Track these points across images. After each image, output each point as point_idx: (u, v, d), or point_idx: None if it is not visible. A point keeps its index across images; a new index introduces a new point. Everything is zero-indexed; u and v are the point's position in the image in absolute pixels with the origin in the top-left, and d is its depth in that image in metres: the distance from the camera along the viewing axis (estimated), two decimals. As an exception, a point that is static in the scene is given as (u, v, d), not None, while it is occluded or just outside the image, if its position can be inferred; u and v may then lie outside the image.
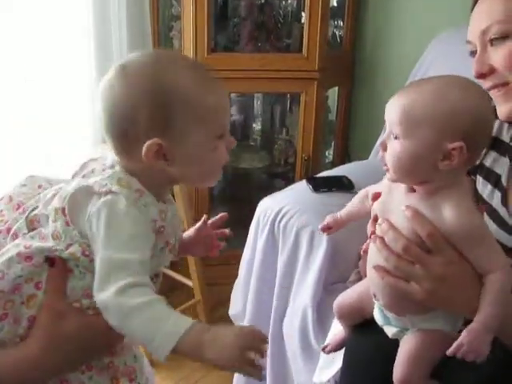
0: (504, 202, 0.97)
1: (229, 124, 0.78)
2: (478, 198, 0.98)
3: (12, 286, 0.71)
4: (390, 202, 0.81)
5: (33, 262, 0.72)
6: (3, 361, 0.71)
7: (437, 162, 0.74)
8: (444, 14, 1.93)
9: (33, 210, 0.78)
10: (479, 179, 1.02)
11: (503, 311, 0.74)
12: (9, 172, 1.71)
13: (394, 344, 0.86)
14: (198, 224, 0.92)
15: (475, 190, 0.99)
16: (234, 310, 1.67)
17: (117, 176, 0.73)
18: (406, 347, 0.83)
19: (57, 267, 0.73)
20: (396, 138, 0.75)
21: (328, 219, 0.94)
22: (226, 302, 1.73)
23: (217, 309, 2.05)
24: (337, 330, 1.07)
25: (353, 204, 0.93)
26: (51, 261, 0.73)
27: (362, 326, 0.96)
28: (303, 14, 2.04)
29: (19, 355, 0.72)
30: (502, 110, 0.92)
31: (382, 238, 0.79)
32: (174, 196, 1.69)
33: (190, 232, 0.92)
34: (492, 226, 0.98)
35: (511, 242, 0.93)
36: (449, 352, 0.74)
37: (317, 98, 2.04)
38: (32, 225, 0.76)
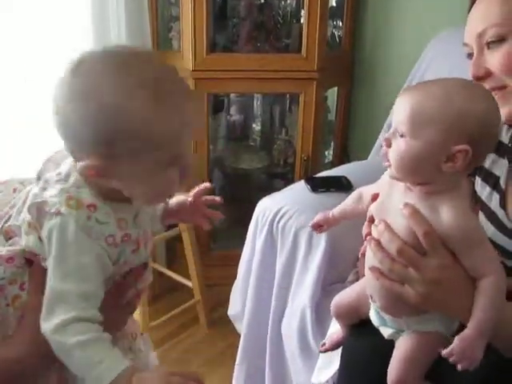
0: (502, 204, 0.96)
1: (187, 147, 0.72)
2: (476, 200, 0.98)
3: None
4: (388, 203, 0.81)
5: (15, 263, 0.72)
6: None
7: (440, 163, 0.74)
8: (443, 14, 1.93)
9: (7, 221, 0.77)
10: (478, 180, 1.02)
11: (496, 316, 0.74)
12: (8, 172, 1.71)
13: (391, 345, 0.86)
14: (181, 200, 0.89)
15: (474, 192, 1.00)
16: (233, 310, 1.67)
17: (66, 193, 0.69)
18: (401, 349, 0.83)
19: (36, 266, 0.72)
20: (402, 136, 0.75)
21: (319, 217, 0.93)
22: (225, 302, 1.73)
23: (216, 309, 2.06)
24: (335, 329, 1.07)
25: (346, 203, 0.92)
26: (29, 261, 0.72)
27: (358, 327, 0.96)
28: (302, 14, 2.04)
29: (6, 352, 0.72)
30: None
31: (377, 241, 0.79)
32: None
33: (173, 205, 0.89)
34: (490, 229, 0.98)
35: (509, 245, 0.93)
36: (443, 353, 0.74)
37: (316, 98, 2.04)
38: (8, 235, 0.75)
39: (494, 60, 0.90)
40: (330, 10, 2.08)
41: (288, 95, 2.36)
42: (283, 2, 2.17)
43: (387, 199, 0.81)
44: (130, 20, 1.96)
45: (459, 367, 0.73)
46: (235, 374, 1.60)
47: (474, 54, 0.93)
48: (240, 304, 1.60)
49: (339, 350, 1.04)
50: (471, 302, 0.75)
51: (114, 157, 0.67)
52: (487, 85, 0.90)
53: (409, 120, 0.74)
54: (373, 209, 0.83)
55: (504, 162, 0.97)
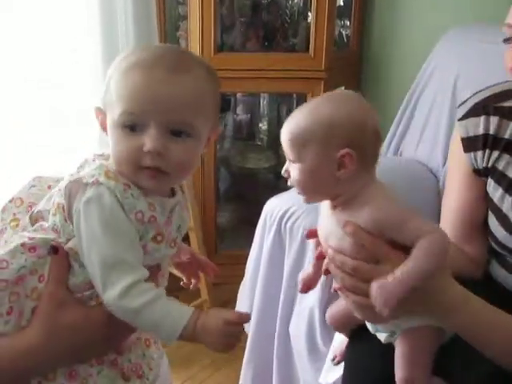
0: None
1: (148, 113, 0.69)
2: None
3: (16, 277, 0.71)
4: (328, 225, 0.81)
5: (37, 252, 0.72)
6: (2, 350, 0.70)
7: (334, 173, 0.75)
8: (451, 13, 1.93)
9: (35, 209, 0.78)
10: (490, 182, 1.01)
11: (428, 267, 0.72)
12: (10, 172, 1.71)
13: (390, 346, 0.86)
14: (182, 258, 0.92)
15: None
16: (240, 309, 1.67)
17: (105, 168, 0.72)
18: (400, 350, 0.84)
19: (60, 255, 0.73)
20: (293, 162, 0.78)
21: (302, 278, 0.89)
22: (232, 301, 1.73)
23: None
24: (340, 338, 1.07)
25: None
26: (55, 249, 0.72)
27: (359, 330, 0.95)
28: (310, 13, 2.03)
29: (17, 343, 0.71)
30: None
31: (332, 262, 0.80)
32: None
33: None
34: (501, 232, 0.98)
35: None
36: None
37: (323, 98, 2.04)
38: (36, 222, 0.76)
39: None
40: (337, 10, 2.07)
41: (295, 94, 2.36)
42: (291, 2, 2.17)
43: (326, 222, 0.82)
44: (137, 18, 1.96)
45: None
46: (242, 374, 1.60)
47: None
48: (247, 304, 1.60)
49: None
50: (444, 296, 0.76)
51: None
52: None
53: (289, 146, 0.78)
54: (319, 234, 0.83)
55: None
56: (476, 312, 0.78)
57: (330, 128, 0.75)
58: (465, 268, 1.04)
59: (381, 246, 0.75)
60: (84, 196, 0.70)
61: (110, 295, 0.68)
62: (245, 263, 1.63)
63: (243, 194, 2.45)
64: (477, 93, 1.09)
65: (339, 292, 0.83)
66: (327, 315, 0.98)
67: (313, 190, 0.80)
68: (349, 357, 1.02)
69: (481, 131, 1.02)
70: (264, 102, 2.48)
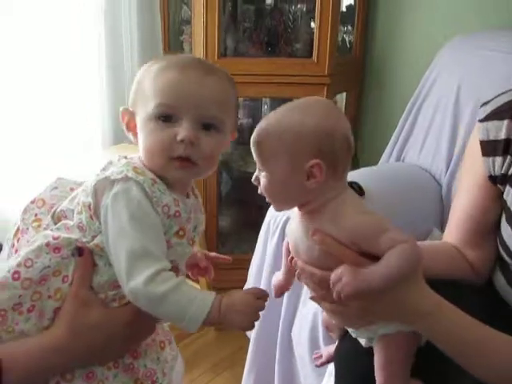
0: None
1: (184, 108, 0.75)
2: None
3: (39, 276, 0.73)
4: (296, 233, 0.80)
5: (61, 253, 0.74)
6: (28, 348, 0.72)
7: (303, 182, 0.74)
8: (455, 20, 1.93)
9: (58, 208, 0.80)
10: (509, 191, 0.96)
11: (397, 271, 0.72)
12: (16, 175, 1.72)
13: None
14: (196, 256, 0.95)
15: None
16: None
17: (132, 164, 0.76)
18: (377, 355, 0.84)
19: (85, 256, 0.75)
20: (262, 171, 0.77)
21: (274, 284, 0.91)
22: (234, 306, 1.73)
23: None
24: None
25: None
26: (80, 250, 0.74)
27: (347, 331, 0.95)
28: (313, 19, 2.04)
29: (43, 341, 0.73)
30: None
31: (302, 274, 0.80)
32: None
33: None
34: None
35: None
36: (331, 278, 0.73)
37: (326, 104, 2.04)
38: (59, 220, 0.78)
39: None
40: (340, 15, 2.08)
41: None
42: (294, 7, 2.17)
43: (296, 229, 0.81)
44: (141, 22, 1.97)
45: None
46: (244, 379, 1.60)
47: None
48: (249, 308, 1.60)
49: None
50: (416, 304, 0.75)
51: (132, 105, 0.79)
52: None
53: (257, 153, 0.77)
54: (289, 241, 0.83)
55: None
56: (448, 321, 0.76)
57: (298, 136, 0.74)
58: (464, 274, 1.02)
59: (350, 254, 0.74)
60: (112, 191, 0.73)
61: (136, 282, 0.70)
62: (246, 267, 1.63)
63: (245, 198, 2.45)
64: (502, 93, 1.01)
65: (312, 300, 0.83)
66: (323, 319, 0.98)
67: (280, 199, 0.79)
68: (338, 354, 1.01)
69: (502, 136, 0.96)
70: (266, 106, 2.48)
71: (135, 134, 0.80)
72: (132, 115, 0.79)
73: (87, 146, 1.92)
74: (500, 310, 0.99)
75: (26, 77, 1.68)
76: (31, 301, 0.73)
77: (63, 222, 0.77)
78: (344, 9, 2.21)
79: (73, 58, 1.82)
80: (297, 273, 0.82)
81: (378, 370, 0.83)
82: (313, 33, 2.02)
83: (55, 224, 0.78)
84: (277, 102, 2.40)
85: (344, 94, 2.31)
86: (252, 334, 1.56)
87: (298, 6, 2.18)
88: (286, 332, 1.48)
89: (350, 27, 2.25)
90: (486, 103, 1.02)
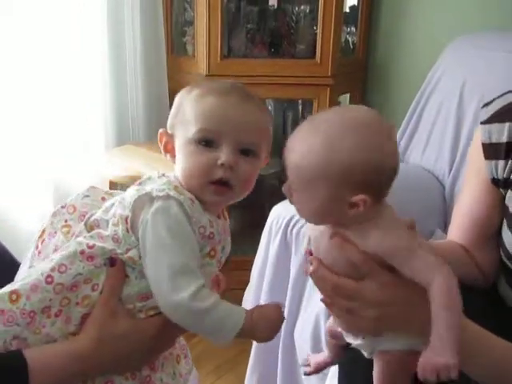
0: None
1: (226, 134, 0.76)
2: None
3: (71, 283, 0.74)
4: (319, 236, 0.77)
5: (94, 262, 0.75)
6: (54, 353, 0.73)
7: (344, 210, 0.70)
8: (458, 20, 1.93)
9: (91, 217, 0.80)
10: (511, 196, 0.95)
11: (453, 316, 0.68)
12: (18, 176, 1.72)
13: None
14: None
15: None
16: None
17: (174, 183, 0.78)
18: (376, 369, 0.81)
19: (117, 267, 0.76)
20: (296, 190, 0.73)
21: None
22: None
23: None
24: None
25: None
26: (113, 261, 0.75)
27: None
28: (316, 20, 2.03)
29: (69, 348, 0.74)
30: None
31: (315, 275, 0.77)
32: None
33: None
34: None
35: None
36: (419, 376, 0.69)
37: (329, 104, 2.04)
38: (92, 229, 0.79)
39: None
40: (343, 16, 2.08)
41: (300, 101, 2.36)
42: (297, 8, 2.17)
43: (317, 232, 0.78)
44: (144, 23, 1.97)
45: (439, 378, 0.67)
46: (247, 380, 1.60)
47: None
48: (252, 310, 1.60)
49: (320, 372, 1.00)
50: (428, 314, 0.70)
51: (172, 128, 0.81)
52: None
53: (296, 176, 0.72)
54: (312, 246, 0.80)
55: None
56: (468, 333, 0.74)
57: (347, 170, 0.68)
58: (471, 275, 1.01)
59: (368, 261, 0.72)
60: (153, 207, 0.74)
61: (182, 297, 0.72)
62: (249, 269, 1.63)
63: (248, 199, 2.44)
64: (504, 94, 1.00)
65: (322, 302, 0.80)
66: (326, 329, 0.93)
67: (316, 220, 0.75)
68: (343, 367, 1.00)
69: (504, 139, 0.94)
70: (269, 107, 2.48)
71: (173, 156, 0.81)
72: (170, 137, 0.81)
73: (90, 147, 1.92)
74: (506, 313, 0.99)
75: (27, 77, 1.69)
76: (60, 306, 0.74)
77: (97, 230, 0.78)
78: (347, 10, 2.21)
79: (76, 60, 1.82)
80: (311, 271, 0.78)
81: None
82: (316, 34, 2.02)
83: (88, 232, 0.79)
84: (280, 103, 2.41)
85: (347, 95, 2.31)
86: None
87: (302, 7, 2.17)
88: (288, 333, 1.48)
89: (353, 28, 2.24)
90: (487, 104, 1.01)
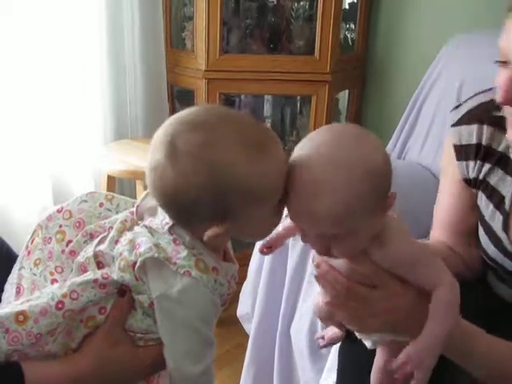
0: (505, 227, 0.94)
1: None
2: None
3: (81, 308, 0.74)
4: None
5: (106, 290, 0.75)
6: (52, 372, 0.74)
7: (379, 221, 0.72)
8: (458, 17, 1.93)
9: (98, 244, 0.78)
10: (481, 196, 0.98)
11: (448, 326, 0.72)
12: (17, 171, 1.72)
13: None
14: None
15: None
16: (241, 310, 1.67)
17: (194, 257, 0.73)
18: (377, 359, 0.84)
19: (126, 299, 0.76)
20: (336, 238, 0.71)
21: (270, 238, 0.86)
22: (234, 301, 1.73)
23: (225, 308, 2.05)
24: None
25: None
26: (122, 292, 0.76)
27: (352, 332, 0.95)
28: (315, 16, 2.04)
29: (67, 369, 0.74)
30: (510, 134, 0.88)
31: (324, 278, 0.77)
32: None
33: None
34: (489, 248, 0.97)
35: (510, 266, 0.93)
36: (393, 368, 0.72)
37: (328, 101, 2.05)
38: (97, 258, 0.78)
39: None
40: (343, 13, 2.08)
41: (298, 96, 2.37)
42: (296, 4, 2.17)
43: None
44: (143, 19, 1.97)
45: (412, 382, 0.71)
46: (243, 374, 1.60)
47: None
48: (249, 305, 1.61)
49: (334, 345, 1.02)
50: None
51: (233, 218, 0.70)
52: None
53: (331, 225, 0.69)
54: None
55: (511, 181, 0.94)
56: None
57: (373, 194, 0.68)
58: (459, 271, 1.01)
59: (379, 272, 0.74)
60: (176, 286, 0.72)
61: (195, 371, 0.74)
62: (247, 264, 1.63)
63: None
64: (472, 97, 1.03)
65: (327, 306, 0.80)
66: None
67: (357, 251, 0.74)
68: (342, 356, 1.01)
69: (474, 140, 0.97)
70: (268, 103, 2.48)
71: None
72: (219, 228, 0.74)
73: (88, 142, 1.92)
74: (493, 304, 1.00)
75: (25, 72, 1.69)
76: (65, 325, 0.74)
77: (105, 271, 0.76)
78: (346, 6, 2.21)
79: (74, 54, 1.82)
80: (315, 273, 0.79)
81: (375, 373, 0.83)
82: (315, 30, 2.02)
83: (95, 261, 0.77)
84: (279, 99, 2.41)
85: (346, 91, 2.31)
86: (251, 330, 1.57)
87: (301, 3, 2.17)
88: (285, 328, 1.48)
89: (352, 24, 2.25)
90: (455, 108, 1.04)
